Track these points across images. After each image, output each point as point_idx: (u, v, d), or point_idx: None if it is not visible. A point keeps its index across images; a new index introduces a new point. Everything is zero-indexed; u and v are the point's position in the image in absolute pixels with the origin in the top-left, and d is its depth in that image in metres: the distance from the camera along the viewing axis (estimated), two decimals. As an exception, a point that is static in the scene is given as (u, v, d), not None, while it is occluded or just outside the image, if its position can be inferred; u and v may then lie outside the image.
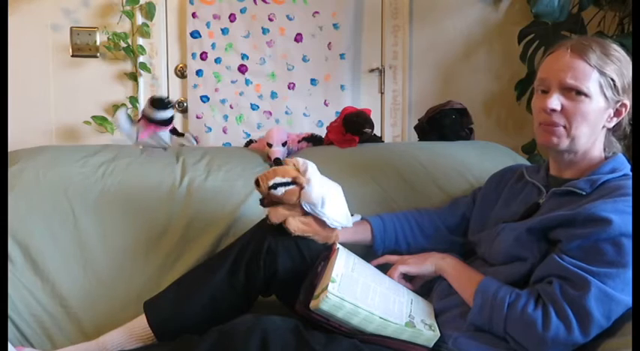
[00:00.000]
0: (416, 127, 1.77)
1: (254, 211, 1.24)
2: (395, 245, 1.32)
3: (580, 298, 0.91)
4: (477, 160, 1.52)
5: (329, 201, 1.18)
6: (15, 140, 1.92)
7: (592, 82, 1.03)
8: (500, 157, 1.55)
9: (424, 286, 1.22)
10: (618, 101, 1.05)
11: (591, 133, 1.06)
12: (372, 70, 2.23)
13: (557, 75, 1.05)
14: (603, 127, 1.07)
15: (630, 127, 1.10)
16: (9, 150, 1.49)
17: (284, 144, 1.62)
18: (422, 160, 1.52)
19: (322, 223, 1.20)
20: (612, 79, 1.03)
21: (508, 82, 2.21)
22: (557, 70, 1.05)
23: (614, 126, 1.09)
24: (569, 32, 1.95)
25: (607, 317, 0.92)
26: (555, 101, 1.04)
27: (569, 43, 1.07)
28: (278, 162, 1.54)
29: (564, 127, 1.05)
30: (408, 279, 1.20)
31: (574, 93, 1.03)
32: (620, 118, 1.07)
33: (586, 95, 1.03)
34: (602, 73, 1.03)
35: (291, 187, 1.15)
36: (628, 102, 1.06)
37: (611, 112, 1.06)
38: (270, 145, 1.60)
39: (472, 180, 1.48)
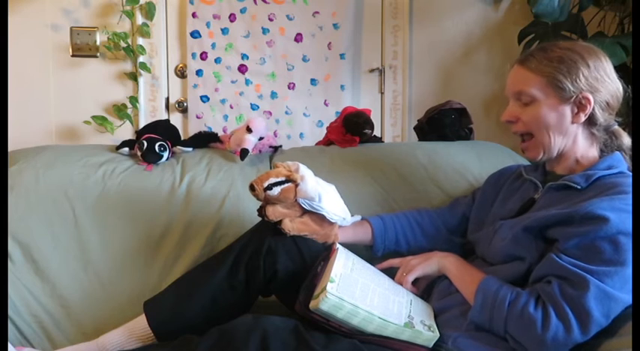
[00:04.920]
0: (415, 128, 1.77)
1: (254, 211, 1.24)
2: (395, 245, 1.32)
3: (579, 297, 0.91)
4: (477, 160, 1.53)
5: (325, 196, 1.18)
6: (15, 140, 1.92)
7: (535, 86, 1.07)
8: (500, 157, 1.55)
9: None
10: (572, 97, 1.06)
11: (559, 133, 1.08)
12: (372, 70, 2.23)
13: (508, 87, 1.13)
14: (573, 123, 1.08)
15: (608, 117, 1.10)
16: (9, 150, 1.49)
17: (260, 138, 1.59)
18: (422, 160, 1.52)
19: (321, 222, 1.20)
20: (557, 80, 1.05)
21: (508, 82, 2.21)
22: (507, 83, 1.13)
23: (588, 120, 1.08)
24: (569, 32, 1.95)
25: (606, 316, 0.92)
26: (507, 113, 1.12)
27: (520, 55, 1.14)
28: (245, 152, 1.52)
29: (531, 134, 1.10)
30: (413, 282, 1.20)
31: (522, 100, 1.09)
32: (588, 112, 1.07)
33: (532, 100, 1.08)
34: (545, 76, 1.06)
35: (286, 185, 1.15)
36: (589, 95, 1.05)
37: (574, 108, 1.07)
38: (249, 130, 1.55)
39: (472, 180, 1.48)
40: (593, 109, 1.06)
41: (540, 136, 1.09)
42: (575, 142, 1.10)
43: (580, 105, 1.06)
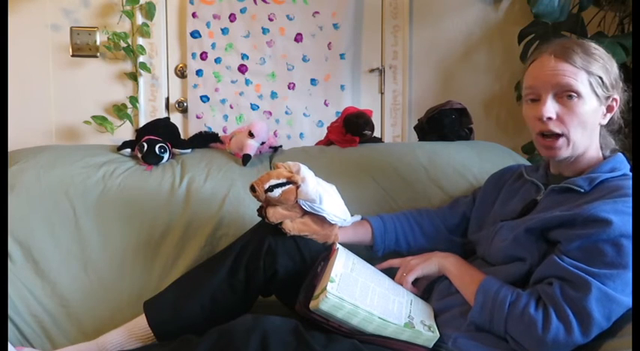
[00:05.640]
0: (415, 128, 1.77)
1: (254, 211, 1.24)
2: (395, 245, 1.32)
3: (580, 299, 0.91)
4: (477, 160, 1.52)
5: (326, 197, 1.18)
6: (15, 140, 1.92)
7: (582, 83, 1.04)
8: (500, 157, 1.55)
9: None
10: (609, 97, 1.07)
11: (589, 133, 1.07)
12: (372, 70, 2.23)
13: (547, 80, 1.05)
14: (599, 124, 1.09)
15: (622, 120, 1.12)
16: (9, 150, 1.49)
17: (262, 143, 1.59)
18: (422, 160, 1.52)
19: (321, 222, 1.20)
20: (600, 77, 1.05)
21: (508, 82, 2.22)
22: (546, 76, 1.05)
23: (607, 122, 1.10)
24: (569, 32, 1.95)
25: (607, 318, 0.92)
26: (550, 109, 1.04)
27: (550, 48, 1.08)
28: (247, 158, 1.52)
29: (563, 134, 1.05)
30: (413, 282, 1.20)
31: (566, 96, 1.04)
32: (613, 113, 1.09)
33: (579, 95, 1.03)
34: (589, 72, 1.04)
35: (287, 186, 1.15)
36: (617, 96, 1.08)
37: (604, 109, 1.08)
38: (252, 135, 1.55)
39: (472, 180, 1.48)
40: (616, 111, 1.08)
41: (574, 133, 1.05)
42: (592, 143, 1.09)
43: (609, 106, 1.07)
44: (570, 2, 1.78)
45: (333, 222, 1.21)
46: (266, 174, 1.17)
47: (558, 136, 1.05)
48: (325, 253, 1.17)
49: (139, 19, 2.09)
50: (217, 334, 0.92)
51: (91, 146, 1.66)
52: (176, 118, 2.19)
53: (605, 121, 1.09)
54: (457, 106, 1.65)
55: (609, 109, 1.08)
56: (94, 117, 2.05)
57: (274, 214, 1.16)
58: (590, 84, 1.04)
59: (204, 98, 2.15)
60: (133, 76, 2.11)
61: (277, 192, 1.14)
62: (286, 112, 2.18)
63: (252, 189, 1.15)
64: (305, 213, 1.19)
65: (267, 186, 1.14)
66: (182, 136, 1.72)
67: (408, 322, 1.01)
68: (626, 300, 0.92)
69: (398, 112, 2.23)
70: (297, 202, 1.16)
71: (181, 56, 2.17)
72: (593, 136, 1.09)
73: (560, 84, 1.03)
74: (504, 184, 1.28)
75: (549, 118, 1.04)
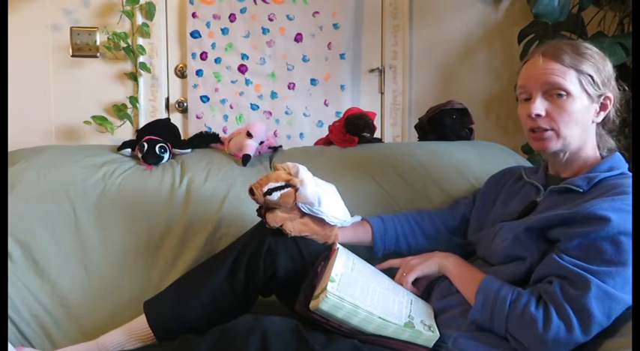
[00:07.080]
0: (416, 126, 1.77)
1: (253, 212, 1.24)
2: (395, 246, 1.32)
3: (580, 297, 0.91)
4: (477, 160, 1.52)
5: (325, 199, 1.18)
6: (15, 140, 1.92)
7: (571, 81, 1.05)
8: (500, 157, 1.55)
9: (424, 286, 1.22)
10: (601, 95, 1.07)
11: (581, 130, 1.08)
12: (372, 70, 2.23)
13: (536, 79, 1.07)
14: (592, 122, 1.09)
15: (619, 119, 1.13)
16: (9, 150, 1.49)
17: (261, 142, 1.59)
18: (422, 160, 1.52)
19: (321, 223, 1.20)
20: (590, 75, 1.05)
21: (508, 82, 2.22)
22: (535, 75, 1.08)
23: (602, 120, 1.10)
24: (569, 32, 1.95)
25: (607, 316, 0.92)
26: (539, 106, 1.06)
27: (541, 49, 1.11)
28: (247, 158, 1.52)
29: (552, 129, 1.07)
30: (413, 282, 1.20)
31: (556, 95, 1.05)
32: (607, 111, 1.09)
33: (568, 94, 1.05)
34: (579, 71, 1.05)
35: (285, 190, 1.15)
36: (611, 95, 1.08)
37: (597, 107, 1.08)
38: (250, 135, 1.56)
39: (472, 180, 1.48)
40: (610, 109, 1.08)
41: (564, 129, 1.06)
42: (586, 142, 1.10)
43: (602, 104, 1.08)
44: (570, 2, 1.78)
45: (332, 223, 1.21)
46: (265, 177, 1.17)
47: (547, 129, 1.07)
48: (325, 253, 1.17)
49: (139, 19, 2.09)
50: (217, 334, 0.92)
51: (91, 146, 1.66)
52: (176, 118, 2.19)
53: (599, 119, 1.09)
54: (458, 106, 1.65)
55: (603, 107, 1.08)
56: (94, 117, 2.05)
57: (274, 219, 1.16)
58: (580, 82, 1.05)
59: (204, 98, 2.15)
60: (133, 76, 2.11)
61: (276, 195, 1.14)
62: (286, 112, 2.18)
63: (251, 192, 1.15)
64: (304, 214, 1.19)
65: (265, 189, 1.14)
66: (182, 136, 1.73)
67: (408, 322, 1.01)
68: (626, 297, 0.92)
69: (398, 112, 2.23)
70: (295, 204, 1.16)
71: (181, 56, 2.17)
72: (587, 134, 1.09)
73: (548, 82, 1.06)
74: (504, 186, 1.28)
75: (538, 115, 1.06)
